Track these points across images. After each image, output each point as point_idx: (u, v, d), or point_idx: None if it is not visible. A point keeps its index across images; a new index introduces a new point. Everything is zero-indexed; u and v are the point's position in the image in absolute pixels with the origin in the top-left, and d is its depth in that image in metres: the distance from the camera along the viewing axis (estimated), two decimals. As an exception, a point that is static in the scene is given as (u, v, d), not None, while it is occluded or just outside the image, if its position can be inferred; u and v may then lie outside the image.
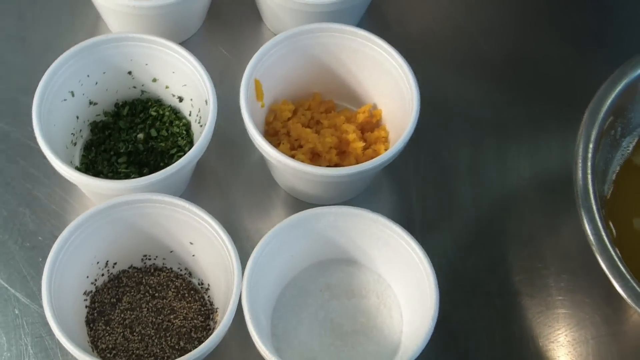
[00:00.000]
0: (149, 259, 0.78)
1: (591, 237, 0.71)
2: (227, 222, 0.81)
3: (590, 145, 0.75)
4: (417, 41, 0.91)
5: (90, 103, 0.82)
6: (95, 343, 0.75)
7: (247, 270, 0.72)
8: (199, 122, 0.81)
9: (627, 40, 0.91)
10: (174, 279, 0.78)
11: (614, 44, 0.91)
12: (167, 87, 0.83)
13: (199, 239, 0.75)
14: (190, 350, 0.70)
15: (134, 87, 0.83)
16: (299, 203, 0.82)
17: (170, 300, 0.77)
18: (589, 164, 0.74)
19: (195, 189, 0.83)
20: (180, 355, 0.71)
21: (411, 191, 0.84)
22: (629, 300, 0.70)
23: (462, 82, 0.89)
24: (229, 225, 0.80)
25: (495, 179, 0.85)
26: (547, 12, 0.94)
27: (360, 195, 0.84)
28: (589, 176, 0.73)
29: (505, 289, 0.81)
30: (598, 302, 0.80)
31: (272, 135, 0.82)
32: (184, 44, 0.87)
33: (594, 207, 0.72)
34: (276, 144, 0.81)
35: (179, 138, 0.82)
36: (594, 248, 0.71)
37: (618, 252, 0.72)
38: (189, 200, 0.75)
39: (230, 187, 0.84)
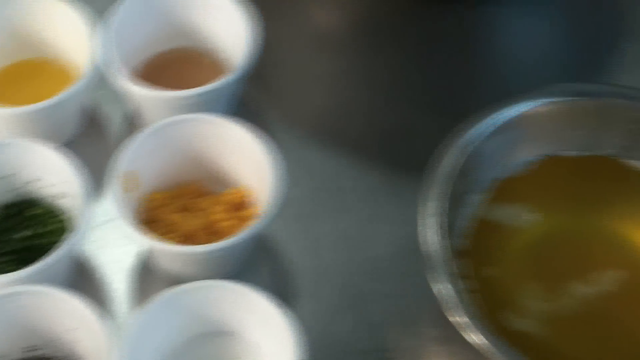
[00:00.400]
0: (34, 350, 0.82)
1: (440, 295, 0.76)
2: (108, 307, 0.86)
3: (436, 204, 0.80)
4: (284, 121, 0.98)
5: None
6: None
7: (123, 355, 0.76)
8: (79, 218, 0.86)
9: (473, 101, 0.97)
10: (60, 368, 0.82)
11: (465, 106, 0.96)
12: (46, 187, 0.88)
13: (81, 326, 0.79)
14: None
15: (14, 189, 0.88)
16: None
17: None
18: (436, 224, 0.79)
19: (79, 277, 0.87)
20: None
21: (286, 263, 0.89)
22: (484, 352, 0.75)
23: (325, 157, 0.96)
24: (111, 310, 0.86)
25: (363, 244, 0.90)
26: (400, 83, 1.02)
27: (242, 270, 0.88)
28: (436, 236, 0.79)
29: (380, 345, 0.85)
30: (474, 351, 0.84)
31: (147, 223, 0.87)
32: (64, 144, 0.92)
33: (442, 266, 0.77)
34: (152, 231, 0.86)
35: (61, 235, 0.87)
36: (444, 306, 0.76)
37: (471, 303, 0.76)
38: (72, 288, 0.79)
39: (111, 274, 0.88)
